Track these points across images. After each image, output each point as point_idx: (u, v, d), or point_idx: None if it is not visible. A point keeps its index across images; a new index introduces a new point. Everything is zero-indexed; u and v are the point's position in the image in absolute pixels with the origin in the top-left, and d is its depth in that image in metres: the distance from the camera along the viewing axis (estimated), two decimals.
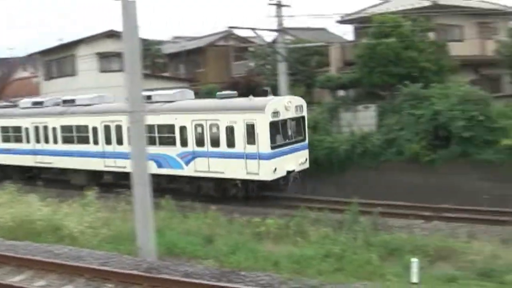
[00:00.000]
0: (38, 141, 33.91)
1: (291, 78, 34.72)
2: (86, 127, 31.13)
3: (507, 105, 32.62)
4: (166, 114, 27.75)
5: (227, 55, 50.49)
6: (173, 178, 28.25)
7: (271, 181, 25.19)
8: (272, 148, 24.85)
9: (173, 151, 27.58)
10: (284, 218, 20.52)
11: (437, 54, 35.01)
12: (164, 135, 28.00)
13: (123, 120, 27.58)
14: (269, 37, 39.95)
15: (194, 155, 26.85)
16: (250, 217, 21.24)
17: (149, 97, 28.14)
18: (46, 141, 33.43)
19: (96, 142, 30.72)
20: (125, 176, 27.65)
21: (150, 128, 27.28)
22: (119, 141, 29.40)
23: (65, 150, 32.30)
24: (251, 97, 26.08)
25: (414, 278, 13.53)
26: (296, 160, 26.32)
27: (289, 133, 26.24)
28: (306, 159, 27.12)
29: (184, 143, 27.16)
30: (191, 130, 26.83)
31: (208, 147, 26.37)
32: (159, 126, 27.87)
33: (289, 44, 36.68)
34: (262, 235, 18.91)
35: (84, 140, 31.29)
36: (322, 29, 52.96)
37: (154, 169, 26.90)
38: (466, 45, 40.58)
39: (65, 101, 33.48)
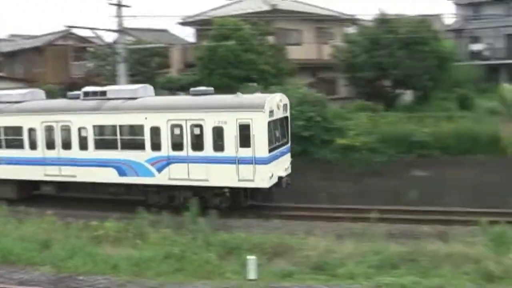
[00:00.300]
0: None
1: (131, 79, 34.21)
2: (19, 128, 26.11)
3: (342, 107, 34.18)
4: (132, 113, 24.20)
5: (66, 55, 48.94)
6: (135, 188, 24.77)
7: (267, 188, 22.74)
8: (269, 151, 22.53)
9: (142, 156, 23.93)
10: (123, 221, 20.08)
11: (276, 57, 36.03)
12: (129, 138, 24.52)
13: (73, 121, 25.02)
14: (110, 37, 39.26)
15: (169, 161, 23.48)
16: (87, 220, 20.63)
17: (103, 93, 25.45)
18: None
19: (33, 146, 26.02)
20: (73, 186, 25.77)
21: (109, 129, 24.77)
22: (67, 145, 25.19)
23: None
24: (238, 93, 23.93)
25: (252, 275, 13.77)
26: (283, 164, 24.14)
27: (277, 134, 23.93)
28: (290, 164, 24.96)
29: (156, 146, 23.65)
30: (166, 131, 23.42)
31: (188, 151, 23.19)
32: (122, 127, 24.42)
33: (130, 45, 36.17)
34: (101, 239, 18.44)
35: (16, 144, 26.35)
36: (164, 31, 52.86)
37: (114, 177, 24.43)
38: (304, 49, 42.05)
39: None
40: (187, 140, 23.13)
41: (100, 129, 24.89)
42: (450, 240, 16.94)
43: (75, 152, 25.03)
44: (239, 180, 22.59)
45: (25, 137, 26.04)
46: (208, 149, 22.81)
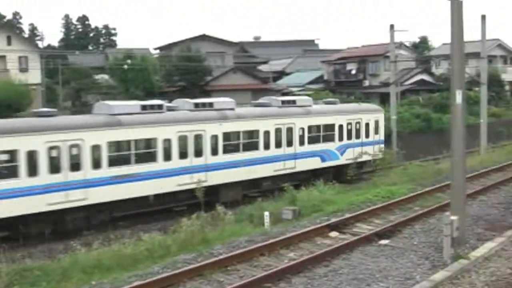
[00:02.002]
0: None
1: None
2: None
3: None
4: (331, 116, 34.54)
5: None
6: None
7: None
8: None
9: (333, 145, 34.27)
10: None
11: None
12: (327, 133, 34.09)
13: (296, 123, 32.45)
14: None
15: (347, 147, 34.99)
16: None
17: (293, 102, 34.17)
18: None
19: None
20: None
21: (316, 128, 33.56)
22: (289, 143, 31.82)
23: None
24: (360, 103, 41.02)
25: None
26: None
27: None
28: None
29: (340, 138, 34.69)
30: (345, 127, 34.92)
31: (354, 140, 35.38)
32: (325, 125, 33.86)
33: None
34: None
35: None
36: None
37: (318, 164, 33.47)
38: None
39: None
40: (353, 132, 35.38)
41: (312, 128, 33.24)
42: None
43: (296, 148, 32.05)
44: (373, 156, 36.47)
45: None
46: (363, 137, 35.99)
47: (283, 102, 33.13)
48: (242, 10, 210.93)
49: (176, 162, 26.44)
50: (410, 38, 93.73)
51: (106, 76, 67.80)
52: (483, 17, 42.82)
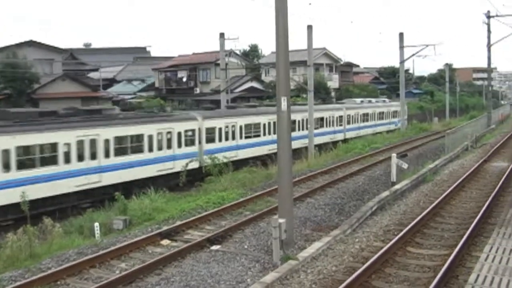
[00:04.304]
0: None
1: None
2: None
3: None
4: (382, 108, 67.12)
5: None
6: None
7: None
8: None
9: (385, 122, 66.89)
10: None
11: None
12: (380, 116, 65.98)
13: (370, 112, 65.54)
14: None
15: (398, 122, 67.68)
16: None
17: (371, 101, 68.77)
18: None
19: None
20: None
21: (381, 112, 66.28)
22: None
23: None
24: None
25: None
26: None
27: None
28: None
29: (381, 117, 65.58)
30: (383, 113, 66.90)
31: (375, 122, 65.49)
32: (380, 112, 66.16)
33: None
34: None
35: None
36: None
37: (382, 129, 63.73)
38: None
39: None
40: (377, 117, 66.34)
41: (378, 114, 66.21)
42: None
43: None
44: (388, 126, 69.54)
45: None
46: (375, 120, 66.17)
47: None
48: (71, 16, 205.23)
49: (375, 123, 64.47)
50: (240, 46, 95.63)
51: None
52: (310, 27, 44.27)
